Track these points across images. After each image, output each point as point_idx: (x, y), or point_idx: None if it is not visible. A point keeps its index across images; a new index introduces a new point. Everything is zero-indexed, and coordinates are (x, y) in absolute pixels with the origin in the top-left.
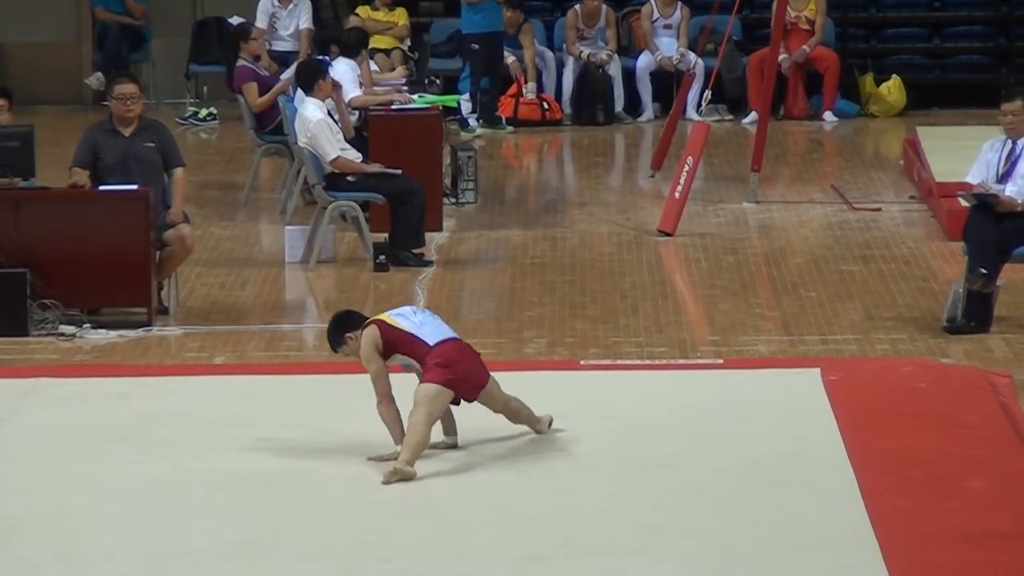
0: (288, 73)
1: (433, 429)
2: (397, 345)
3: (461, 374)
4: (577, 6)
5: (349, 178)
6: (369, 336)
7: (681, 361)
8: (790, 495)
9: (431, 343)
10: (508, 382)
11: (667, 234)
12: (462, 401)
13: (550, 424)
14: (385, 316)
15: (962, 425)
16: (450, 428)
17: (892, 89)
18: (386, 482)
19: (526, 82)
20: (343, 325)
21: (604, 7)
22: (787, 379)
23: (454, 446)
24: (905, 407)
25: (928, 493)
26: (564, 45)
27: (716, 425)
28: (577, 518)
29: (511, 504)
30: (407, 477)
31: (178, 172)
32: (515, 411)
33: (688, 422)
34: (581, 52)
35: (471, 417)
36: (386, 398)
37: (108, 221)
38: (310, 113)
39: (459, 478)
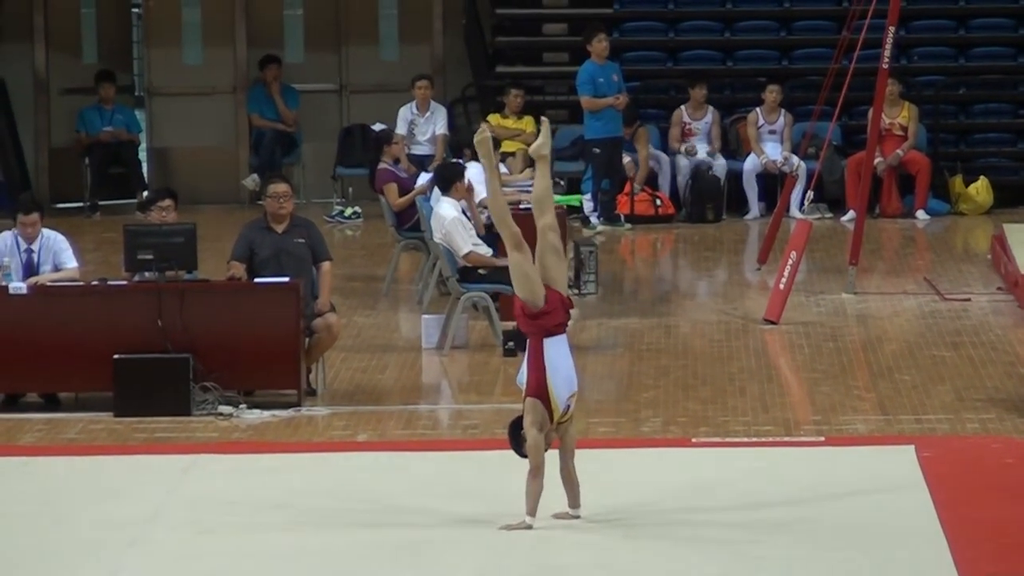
0: (424, 178)
1: (555, 498)
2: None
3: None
4: (683, 105)
5: (480, 271)
6: (528, 407)
7: (785, 439)
8: (887, 562)
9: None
10: (626, 458)
11: (772, 322)
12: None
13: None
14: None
15: None
16: (574, 501)
17: (980, 189)
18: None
19: (635, 180)
20: (518, 427)
21: (710, 107)
22: (884, 456)
23: (577, 518)
24: (995, 481)
25: (1020, 560)
26: (669, 142)
27: (818, 498)
28: None
29: (630, 572)
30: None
31: (325, 265)
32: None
33: (792, 495)
34: (688, 147)
35: (594, 492)
36: (536, 471)
37: (262, 310)
38: (445, 211)
39: (581, 547)
